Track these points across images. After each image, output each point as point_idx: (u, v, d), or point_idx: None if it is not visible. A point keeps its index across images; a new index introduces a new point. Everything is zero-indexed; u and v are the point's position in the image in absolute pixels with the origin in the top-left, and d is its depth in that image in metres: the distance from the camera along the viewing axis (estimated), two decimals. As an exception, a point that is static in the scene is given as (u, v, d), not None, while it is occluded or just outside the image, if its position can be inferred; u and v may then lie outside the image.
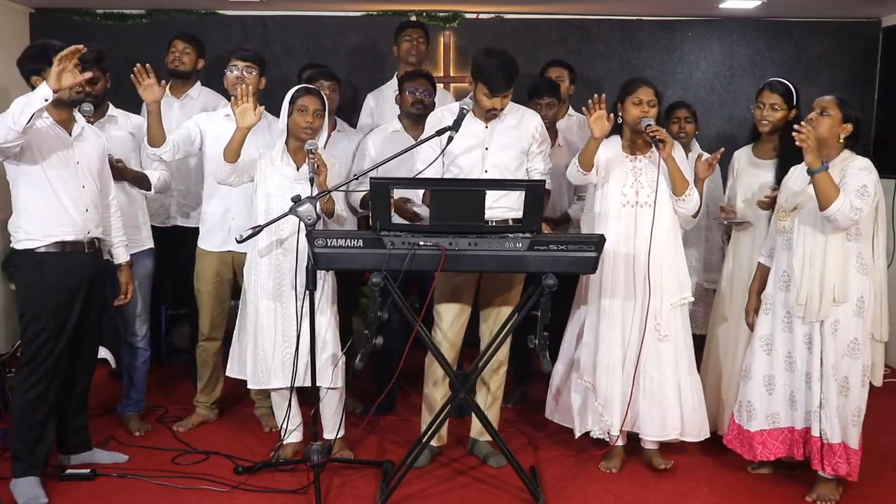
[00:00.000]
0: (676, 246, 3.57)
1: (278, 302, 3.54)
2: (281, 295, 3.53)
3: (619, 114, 3.54)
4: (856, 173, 3.19)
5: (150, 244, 4.03)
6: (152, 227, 4.19)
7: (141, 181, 3.90)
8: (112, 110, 3.92)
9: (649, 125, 3.40)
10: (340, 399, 3.65)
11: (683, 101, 4.64)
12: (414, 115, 4.14)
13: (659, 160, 3.45)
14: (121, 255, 3.63)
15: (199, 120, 4.00)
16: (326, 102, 3.60)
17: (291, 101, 3.53)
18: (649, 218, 3.49)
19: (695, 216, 3.62)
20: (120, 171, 3.75)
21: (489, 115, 3.52)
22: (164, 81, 3.79)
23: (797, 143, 3.12)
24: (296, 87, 3.57)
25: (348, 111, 4.95)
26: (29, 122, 2.96)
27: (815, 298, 3.25)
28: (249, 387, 3.69)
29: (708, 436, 3.64)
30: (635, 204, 3.52)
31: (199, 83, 4.67)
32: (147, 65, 3.73)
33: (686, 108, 4.53)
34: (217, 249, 4.00)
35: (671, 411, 3.54)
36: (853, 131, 3.26)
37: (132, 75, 3.70)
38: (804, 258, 3.28)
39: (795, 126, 3.17)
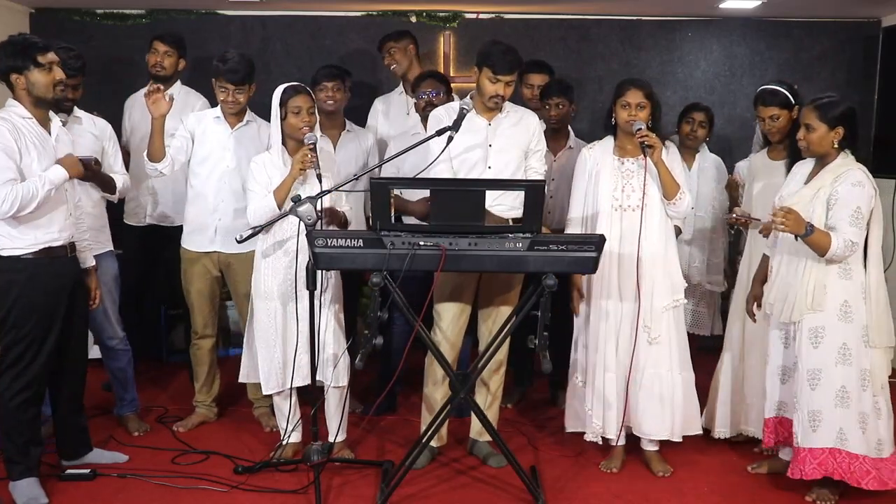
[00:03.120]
0: (668, 248, 3.55)
1: (284, 304, 3.54)
2: (288, 297, 3.52)
3: (613, 116, 3.54)
4: (848, 191, 3.16)
5: (111, 246, 3.95)
6: (129, 226, 4.17)
7: (108, 184, 3.81)
8: (76, 111, 3.81)
9: (640, 129, 3.39)
10: (341, 399, 3.63)
11: (702, 104, 4.62)
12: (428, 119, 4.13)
13: (647, 163, 3.44)
14: (87, 260, 3.54)
15: (188, 123, 3.96)
16: (314, 98, 3.60)
17: (282, 104, 3.51)
18: (639, 221, 3.48)
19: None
20: (95, 174, 3.66)
21: (492, 104, 3.50)
22: (169, 97, 3.78)
23: (778, 227, 3.13)
24: (283, 88, 3.53)
25: (349, 111, 4.94)
26: None
27: (784, 300, 3.26)
28: (264, 392, 3.66)
29: (699, 431, 3.64)
30: (627, 207, 3.51)
31: (178, 82, 4.63)
32: (160, 86, 3.77)
33: (703, 112, 4.51)
34: (203, 250, 3.99)
35: (666, 412, 3.54)
36: (845, 132, 3.22)
37: (145, 93, 3.74)
38: (783, 259, 3.30)
39: (774, 215, 3.13)
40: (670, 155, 3.53)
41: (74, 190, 3.41)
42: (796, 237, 3.16)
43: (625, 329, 3.53)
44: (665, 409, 3.54)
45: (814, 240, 3.13)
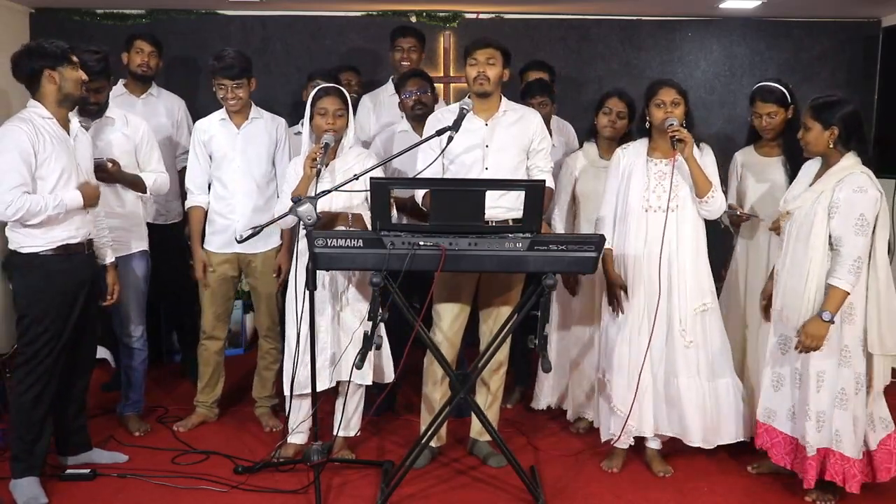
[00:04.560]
0: (698, 251, 3.53)
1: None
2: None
3: (647, 118, 3.54)
4: (849, 198, 3.13)
5: (143, 246, 4.01)
6: None
7: (136, 184, 3.86)
8: (110, 112, 3.86)
9: (671, 124, 3.39)
10: (362, 396, 3.73)
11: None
12: (419, 116, 4.13)
13: (674, 164, 3.44)
14: (107, 256, 3.60)
15: (199, 134, 3.96)
16: (349, 101, 3.63)
17: (312, 104, 3.56)
18: (671, 223, 3.47)
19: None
20: (114, 175, 3.72)
21: (477, 86, 3.48)
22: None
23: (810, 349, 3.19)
24: (315, 90, 3.60)
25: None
26: None
27: (794, 308, 3.25)
28: (295, 392, 3.63)
29: (729, 441, 3.58)
30: (657, 209, 3.49)
31: (154, 83, 4.69)
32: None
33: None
34: (221, 250, 4.00)
35: (692, 418, 3.52)
36: (841, 132, 3.19)
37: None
38: (786, 265, 3.29)
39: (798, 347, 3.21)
40: (704, 156, 3.52)
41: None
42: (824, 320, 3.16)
43: (653, 331, 3.48)
44: (698, 415, 3.51)
45: (837, 307, 3.14)
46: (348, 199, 3.57)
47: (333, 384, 3.62)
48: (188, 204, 4.05)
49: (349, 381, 3.52)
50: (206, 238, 4.04)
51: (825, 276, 3.19)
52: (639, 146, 3.62)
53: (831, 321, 3.14)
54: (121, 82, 4.64)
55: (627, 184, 3.56)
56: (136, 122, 3.93)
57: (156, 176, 3.93)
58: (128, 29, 5.35)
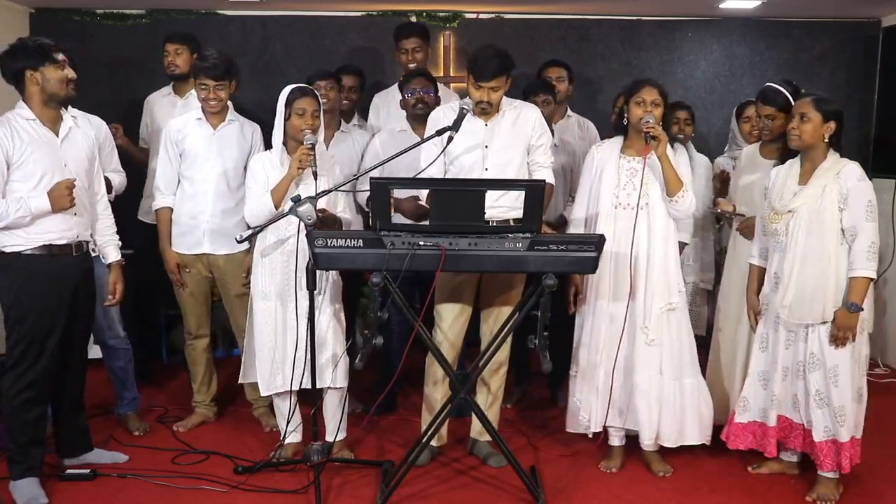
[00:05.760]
0: (668, 249, 3.53)
1: (283, 303, 3.54)
2: (286, 297, 3.52)
3: (625, 115, 3.54)
4: (857, 187, 3.21)
5: None
6: (144, 223, 4.15)
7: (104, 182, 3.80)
8: (71, 111, 3.72)
9: (647, 122, 3.40)
10: (341, 400, 3.65)
11: (683, 103, 4.65)
12: (419, 116, 4.12)
13: (646, 160, 3.45)
14: (111, 255, 3.55)
15: (172, 134, 3.93)
16: (321, 102, 3.61)
17: (287, 104, 3.51)
18: (641, 220, 3.48)
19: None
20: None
21: (479, 110, 3.50)
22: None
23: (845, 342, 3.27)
24: (290, 89, 3.53)
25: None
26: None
27: (808, 301, 3.26)
28: (262, 393, 3.67)
29: (696, 442, 3.58)
30: (627, 206, 3.50)
31: None
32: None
33: (686, 110, 4.55)
34: (189, 252, 3.98)
35: (654, 417, 3.53)
36: (836, 128, 3.27)
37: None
38: (796, 261, 3.29)
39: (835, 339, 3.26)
40: (678, 156, 3.53)
41: (92, 189, 3.46)
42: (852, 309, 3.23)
43: (622, 329, 3.51)
44: (654, 413, 3.52)
45: (863, 296, 3.21)
46: (333, 200, 3.56)
47: (287, 389, 3.55)
48: (158, 204, 4.00)
49: (328, 388, 3.54)
50: (175, 239, 4.00)
51: (842, 267, 3.25)
52: (612, 144, 3.63)
53: (861, 309, 3.22)
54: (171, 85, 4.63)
55: (599, 180, 3.57)
56: (98, 122, 3.86)
57: (118, 177, 3.92)
58: (128, 29, 5.36)
